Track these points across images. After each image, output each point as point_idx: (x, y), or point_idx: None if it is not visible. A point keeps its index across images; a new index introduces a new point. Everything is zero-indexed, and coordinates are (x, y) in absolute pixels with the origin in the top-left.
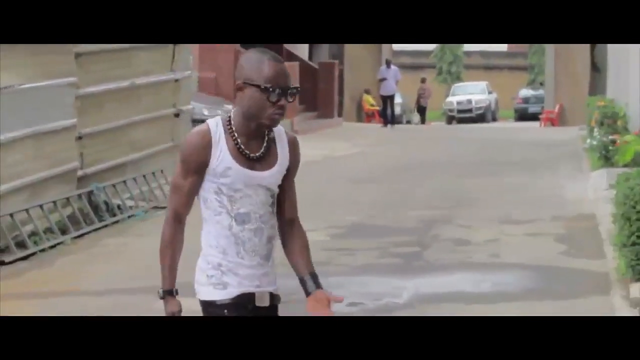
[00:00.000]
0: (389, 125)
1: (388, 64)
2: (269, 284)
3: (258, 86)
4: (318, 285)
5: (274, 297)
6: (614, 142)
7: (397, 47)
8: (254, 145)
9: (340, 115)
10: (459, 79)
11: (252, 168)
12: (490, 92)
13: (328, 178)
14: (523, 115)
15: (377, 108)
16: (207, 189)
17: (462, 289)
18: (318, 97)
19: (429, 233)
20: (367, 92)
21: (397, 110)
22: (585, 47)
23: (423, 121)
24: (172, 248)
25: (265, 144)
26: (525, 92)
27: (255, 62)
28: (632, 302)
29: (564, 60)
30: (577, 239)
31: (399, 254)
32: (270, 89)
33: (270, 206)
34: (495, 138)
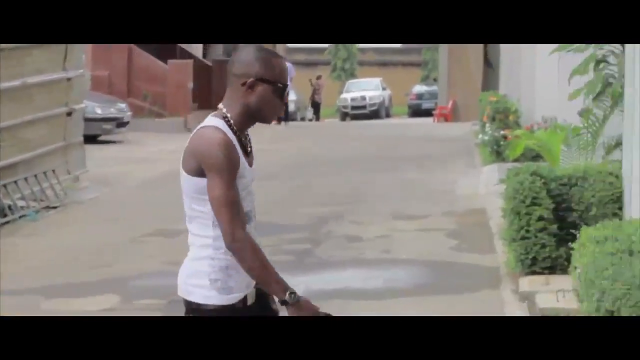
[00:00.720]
0: (283, 123)
1: None
2: (252, 280)
3: (272, 84)
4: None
5: (260, 294)
6: (505, 137)
7: (290, 44)
8: (245, 141)
9: None
10: (353, 75)
11: (250, 165)
12: (384, 89)
13: None
14: (417, 111)
15: None
16: None
17: (353, 285)
18: (213, 95)
19: (321, 230)
20: None
21: (292, 107)
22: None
23: (317, 118)
24: (265, 258)
25: (249, 139)
26: (419, 88)
27: (264, 58)
28: (521, 295)
29: (457, 56)
30: (468, 233)
31: (291, 251)
32: (283, 87)
33: None
34: (388, 134)
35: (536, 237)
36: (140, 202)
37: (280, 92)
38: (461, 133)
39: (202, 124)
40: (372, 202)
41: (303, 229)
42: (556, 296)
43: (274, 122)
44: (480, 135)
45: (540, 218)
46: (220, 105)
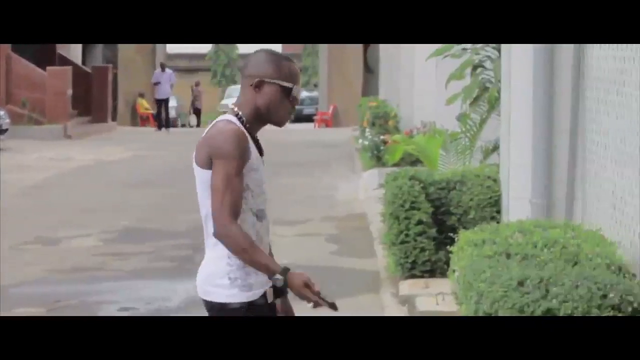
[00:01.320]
0: (163, 129)
1: (162, 67)
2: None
3: (279, 84)
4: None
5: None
6: (385, 142)
7: (171, 50)
8: (256, 140)
9: (114, 119)
10: (234, 81)
11: (262, 164)
12: None
13: (101, 183)
14: (298, 117)
15: (152, 112)
16: None
17: None
18: (92, 101)
19: (202, 236)
20: (142, 95)
21: (172, 113)
22: (358, 49)
23: (199, 124)
24: (252, 240)
25: (258, 140)
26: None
27: (273, 60)
28: (401, 299)
29: (337, 61)
30: (348, 238)
31: (172, 257)
32: (291, 88)
33: None
34: (269, 140)
35: (415, 241)
36: (19, 210)
37: (288, 93)
38: (342, 138)
39: (216, 120)
40: None
41: (184, 235)
42: (436, 299)
43: (154, 128)
44: (360, 141)
45: (419, 222)
46: (232, 105)
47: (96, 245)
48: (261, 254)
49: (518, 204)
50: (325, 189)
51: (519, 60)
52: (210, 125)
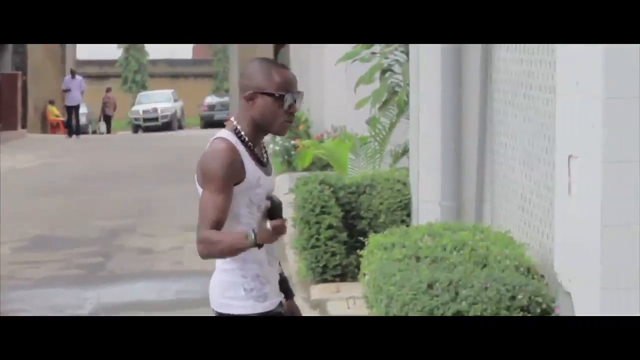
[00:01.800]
0: (74, 136)
1: (73, 74)
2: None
3: (271, 94)
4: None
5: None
6: (296, 146)
7: (81, 56)
8: (259, 152)
9: (24, 127)
10: (144, 87)
11: (266, 174)
12: (176, 100)
13: (11, 191)
14: (209, 123)
15: (62, 119)
16: (239, 203)
17: (144, 298)
18: (1, 108)
19: (113, 243)
20: (52, 102)
21: (83, 120)
22: (268, 53)
23: (109, 130)
24: (218, 237)
25: (264, 150)
26: (211, 99)
27: (264, 70)
28: (312, 303)
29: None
30: None
31: (82, 265)
32: (284, 97)
33: None
34: (181, 146)
35: (326, 245)
36: None
37: (281, 101)
38: None
39: (214, 136)
40: (165, 214)
41: (94, 242)
42: (347, 303)
43: (64, 136)
44: (271, 145)
45: (330, 226)
46: (232, 118)
47: (6, 253)
48: (223, 238)
49: (428, 207)
50: None
51: (427, 64)
52: (210, 142)
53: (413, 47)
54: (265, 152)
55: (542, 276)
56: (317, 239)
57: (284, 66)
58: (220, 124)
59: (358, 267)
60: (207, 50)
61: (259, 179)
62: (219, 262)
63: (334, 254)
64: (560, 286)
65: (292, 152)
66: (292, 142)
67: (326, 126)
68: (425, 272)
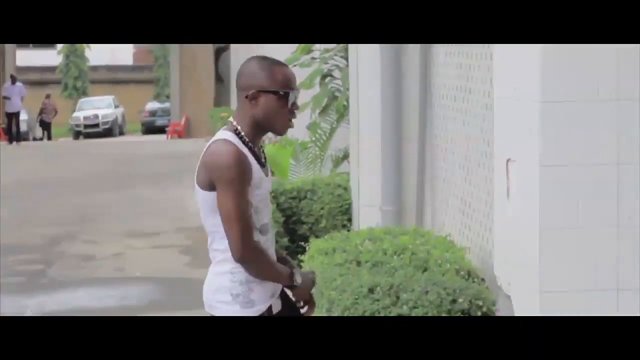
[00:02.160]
0: (14, 143)
1: (13, 80)
2: (277, 289)
3: (275, 93)
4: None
5: (284, 300)
6: None
7: (21, 63)
8: (259, 153)
9: None
10: (85, 94)
11: (266, 176)
12: (117, 106)
13: None
14: (150, 128)
15: (3, 126)
16: None
17: (86, 305)
18: None
19: (54, 250)
20: None
21: (23, 127)
22: (209, 58)
23: (49, 137)
24: (273, 262)
25: (263, 150)
26: (152, 105)
27: (265, 68)
28: None
29: (188, 72)
30: (202, 249)
31: (23, 272)
32: (288, 94)
33: None
34: (122, 152)
35: None
36: None
37: (285, 100)
38: (194, 149)
39: (212, 138)
40: (106, 220)
41: (35, 249)
42: None
43: (5, 142)
44: None
45: None
46: (231, 119)
47: None
48: (275, 269)
49: (368, 211)
50: (178, 200)
51: (366, 69)
52: (208, 143)
53: (352, 52)
54: (263, 152)
55: (483, 279)
56: None
57: (283, 63)
58: (161, 130)
59: None
60: (147, 56)
61: (260, 180)
62: (213, 266)
63: None
64: (500, 289)
65: None
66: None
67: None
68: (366, 276)
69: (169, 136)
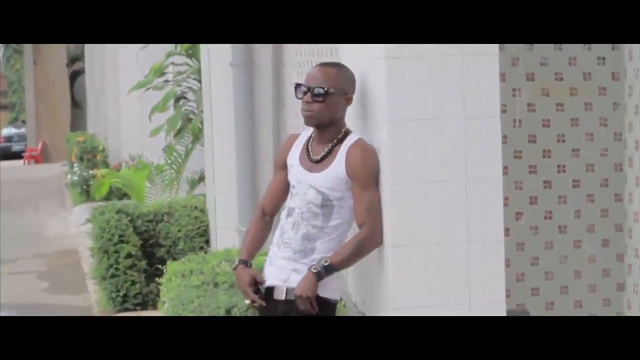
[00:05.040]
0: None
1: None
2: (297, 282)
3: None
4: (309, 269)
5: (289, 293)
6: (94, 176)
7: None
8: (319, 149)
9: None
10: None
11: (309, 169)
12: None
13: None
14: (6, 154)
15: None
16: None
17: None
18: None
19: None
20: None
21: None
22: (64, 83)
23: None
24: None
25: (327, 149)
26: (8, 131)
27: None
28: None
29: (44, 96)
30: (60, 274)
31: None
32: (297, 85)
33: (317, 207)
34: None
35: (126, 274)
36: None
37: (297, 90)
38: (51, 174)
39: (354, 138)
40: None
41: None
42: None
43: None
44: (69, 176)
45: (129, 255)
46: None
47: None
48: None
49: (225, 232)
50: (34, 226)
51: (219, 91)
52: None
53: (205, 74)
54: (330, 151)
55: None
56: (117, 269)
57: (323, 63)
58: (18, 156)
59: (158, 295)
60: (2, 81)
61: (291, 166)
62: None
63: (133, 283)
64: (355, 307)
65: (90, 182)
66: (90, 172)
67: (124, 155)
68: (223, 297)
69: (26, 162)
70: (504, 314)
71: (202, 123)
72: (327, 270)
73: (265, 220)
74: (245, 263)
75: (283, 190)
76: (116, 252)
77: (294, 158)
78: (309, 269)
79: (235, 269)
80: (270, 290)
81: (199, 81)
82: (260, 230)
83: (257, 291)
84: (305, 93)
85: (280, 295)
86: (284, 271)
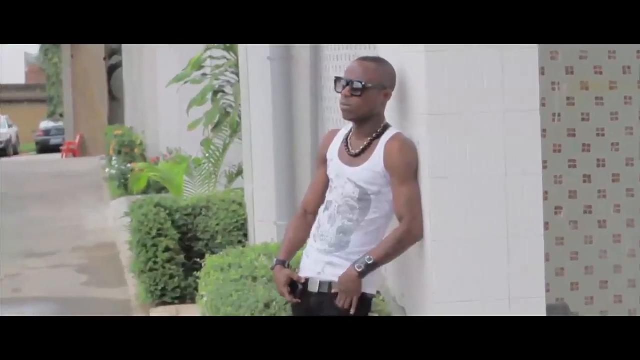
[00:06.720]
0: None
1: None
2: (332, 275)
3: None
4: (352, 265)
5: (322, 286)
6: (132, 170)
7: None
8: (358, 143)
9: None
10: None
11: (348, 163)
12: (10, 126)
13: None
14: (45, 148)
15: None
16: None
17: None
18: None
19: None
20: None
21: None
22: (102, 77)
23: None
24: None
25: (365, 143)
26: (46, 124)
27: None
28: None
29: (81, 90)
30: (99, 268)
31: None
32: (336, 79)
33: (355, 201)
34: (17, 172)
35: (164, 268)
36: None
37: (337, 85)
38: (89, 168)
39: (392, 133)
40: (2, 242)
41: None
42: None
43: None
44: (107, 169)
45: (167, 249)
46: None
47: None
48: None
49: (264, 226)
50: (73, 220)
51: (257, 84)
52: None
53: (243, 68)
54: (369, 145)
55: (378, 292)
56: (155, 262)
57: (363, 57)
58: (56, 149)
59: (197, 288)
60: (40, 74)
61: (330, 160)
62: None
63: (172, 277)
64: (394, 301)
65: (128, 176)
66: (128, 165)
67: (162, 149)
68: (262, 291)
69: (64, 155)
70: (544, 309)
71: (240, 117)
72: (370, 267)
73: (306, 219)
74: (283, 263)
75: (325, 185)
76: (154, 245)
77: (333, 152)
78: (352, 267)
79: (273, 268)
80: (305, 282)
81: (237, 75)
82: (300, 229)
83: (292, 291)
84: (344, 87)
85: (314, 287)
86: (318, 264)
